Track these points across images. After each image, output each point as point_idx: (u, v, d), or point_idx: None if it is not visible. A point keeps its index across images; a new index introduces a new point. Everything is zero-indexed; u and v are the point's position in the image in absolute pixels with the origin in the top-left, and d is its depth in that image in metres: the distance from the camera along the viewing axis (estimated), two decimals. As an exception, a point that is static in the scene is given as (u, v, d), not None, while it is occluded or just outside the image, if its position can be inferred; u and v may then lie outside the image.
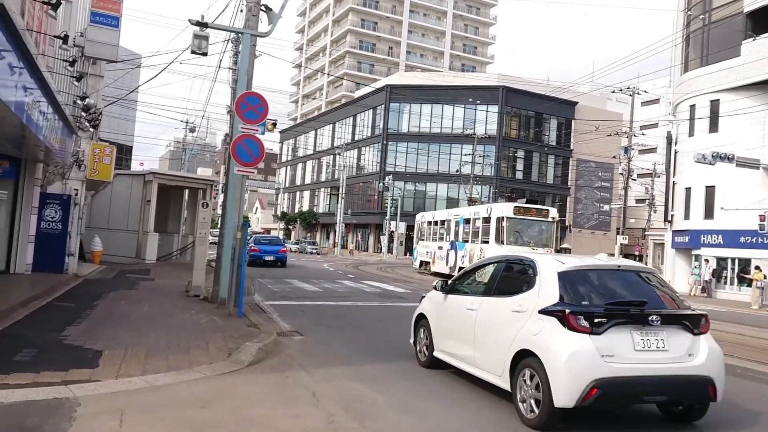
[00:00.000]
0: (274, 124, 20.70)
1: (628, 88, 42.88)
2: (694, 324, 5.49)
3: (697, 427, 5.66)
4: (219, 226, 12.40)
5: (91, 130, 14.89)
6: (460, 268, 23.53)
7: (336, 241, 64.73)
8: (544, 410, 5.14)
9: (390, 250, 57.55)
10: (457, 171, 55.87)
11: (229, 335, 8.51)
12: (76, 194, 15.26)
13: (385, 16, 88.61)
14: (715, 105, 28.69)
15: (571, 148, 64.49)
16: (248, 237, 10.06)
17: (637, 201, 74.99)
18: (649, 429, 5.71)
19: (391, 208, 57.75)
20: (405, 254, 60.15)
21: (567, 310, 5.21)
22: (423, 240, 32.29)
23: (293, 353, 8.11)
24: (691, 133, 30.02)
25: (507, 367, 5.64)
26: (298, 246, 61.45)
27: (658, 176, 52.52)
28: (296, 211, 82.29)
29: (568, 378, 4.99)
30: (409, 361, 7.93)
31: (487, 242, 23.52)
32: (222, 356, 7.23)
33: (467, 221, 26.03)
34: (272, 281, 19.96)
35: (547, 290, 5.54)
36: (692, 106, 29.92)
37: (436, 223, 30.45)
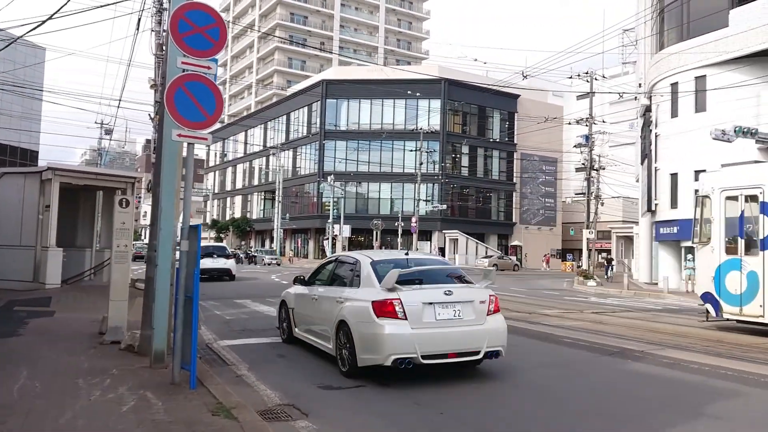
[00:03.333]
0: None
1: (586, 72, 40.59)
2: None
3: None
4: (148, 234, 7.91)
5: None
6: None
7: (274, 248, 59.73)
8: None
9: (333, 256, 53.07)
10: (416, 168, 51.46)
11: (183, 448, 4.23)
12: (-73, 196, 10.35)
13: (315, 10, 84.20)
14: (701, 81, 26.18)
15: (515, 142, 62.23)
16: (199, 248, 5.65)
17: (577, 194, 73.79)
18: None
19: (333, 210, 53.41)
20: (350, 260, 55.79)
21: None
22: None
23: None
24: (674, 114, 27.44)
25: None
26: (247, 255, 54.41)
27: (603, 168, 50.65)
28: (228, 218, 76.52)
29: None
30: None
31: None
32: None
33: None
34: (219, 303, 15.44)
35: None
36: (674, 85, 27.36)
37: None
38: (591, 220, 40.05)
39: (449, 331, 6.75)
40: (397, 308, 6.62)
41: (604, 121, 41.46)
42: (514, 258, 55.59)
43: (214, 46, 6.32)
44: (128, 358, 7.35)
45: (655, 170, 28.39)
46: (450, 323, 6.80)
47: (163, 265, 6.68)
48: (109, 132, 51.89)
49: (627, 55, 78.27)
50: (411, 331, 6.51)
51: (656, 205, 28.23)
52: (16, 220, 16.59)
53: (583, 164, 41.09)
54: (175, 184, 6.79)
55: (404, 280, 6.91)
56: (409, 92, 56.92)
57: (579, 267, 47.97)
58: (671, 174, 27.35)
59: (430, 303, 6.77)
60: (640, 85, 32.42)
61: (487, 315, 7.09)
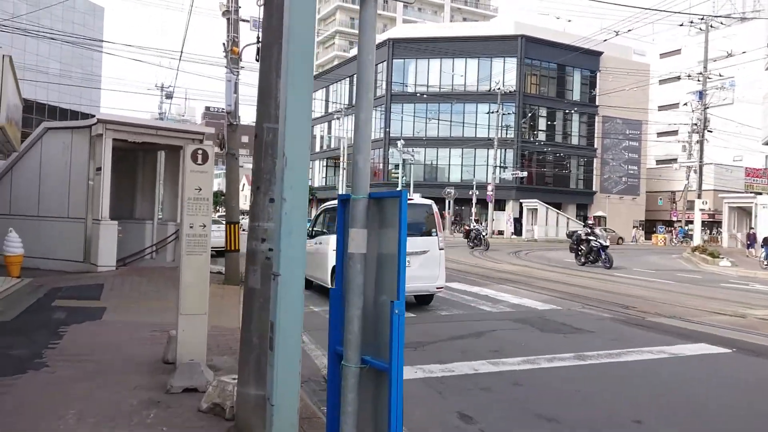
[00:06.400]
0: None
1: (701, 18, 35.29)
2: None
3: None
4: (250, 205, 4.35)
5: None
6: None
7: (338, 218, 56.59)
8: None
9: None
10: (496, 130, 46.64)
11: None
12: None
13: (378, -36, 79.38)
14: None
15: (597, 104, 56.84)
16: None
17: (658, 162, 67.73)
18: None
19: (402, 177, 49.83)
20: (420, 230, 52.45)
21: None
22: None
23: None
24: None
25: None
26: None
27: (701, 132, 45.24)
28: (289, 186, 74.22)
29: None
30: None
31: None
32: None
33: None
34: (309, 292, 12.01)
35: None
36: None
37: None
38: (695, 188, 35.16)
39: None
40: None
41: (721, 75, 35.98)
42: (615, 231, 50.17)
43: None
44: (216, 439, 3.95)
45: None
46: None
47: (291, 275, 3.11)
48: (169, 96, 49.77)
49: (719, 8, 71.34)
50: None
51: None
52: (63, 186, 13.61)
53: (694, 124, 35.92)
54: (310, 105, 3.25)
55: None
56: (483, 51, 52.22)
57: (687, 241, 42.74)
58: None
59: None
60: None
61: None
